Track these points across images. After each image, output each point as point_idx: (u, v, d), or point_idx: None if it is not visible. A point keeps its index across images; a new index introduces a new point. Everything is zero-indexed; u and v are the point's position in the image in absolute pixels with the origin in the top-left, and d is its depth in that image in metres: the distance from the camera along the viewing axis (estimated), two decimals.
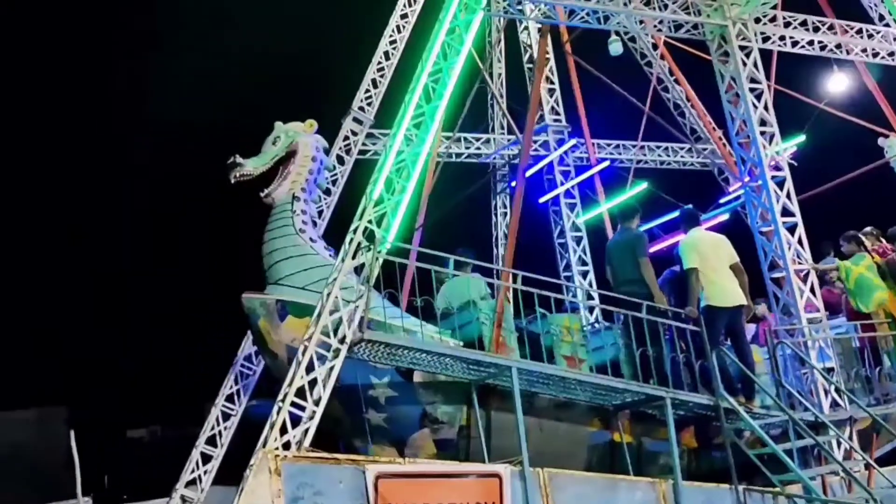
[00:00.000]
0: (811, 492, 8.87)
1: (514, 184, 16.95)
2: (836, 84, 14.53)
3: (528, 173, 15.81)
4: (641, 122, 16.12)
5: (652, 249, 14.41)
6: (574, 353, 9.22)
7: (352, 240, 8.45)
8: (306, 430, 7.64)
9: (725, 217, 16.35)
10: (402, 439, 8.92)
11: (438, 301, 9.37)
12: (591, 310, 14.27)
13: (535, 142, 17.21)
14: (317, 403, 7.75)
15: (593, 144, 17.47)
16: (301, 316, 9.04)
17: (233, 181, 9.81)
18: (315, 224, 10.09)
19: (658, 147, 18.23)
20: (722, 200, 17.05)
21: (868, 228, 12.56)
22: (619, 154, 17.91)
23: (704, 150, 17.62)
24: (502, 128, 17.62)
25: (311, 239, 9.73)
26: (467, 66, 9.65)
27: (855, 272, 11.25)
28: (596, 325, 11.67)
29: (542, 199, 17.17)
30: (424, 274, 8.80)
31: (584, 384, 8.92)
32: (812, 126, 15.20)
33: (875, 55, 14.36)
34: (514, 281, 8.83)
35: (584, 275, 16.44)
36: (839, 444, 9.78)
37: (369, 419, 8.98)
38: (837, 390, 10.21)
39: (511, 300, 9.07)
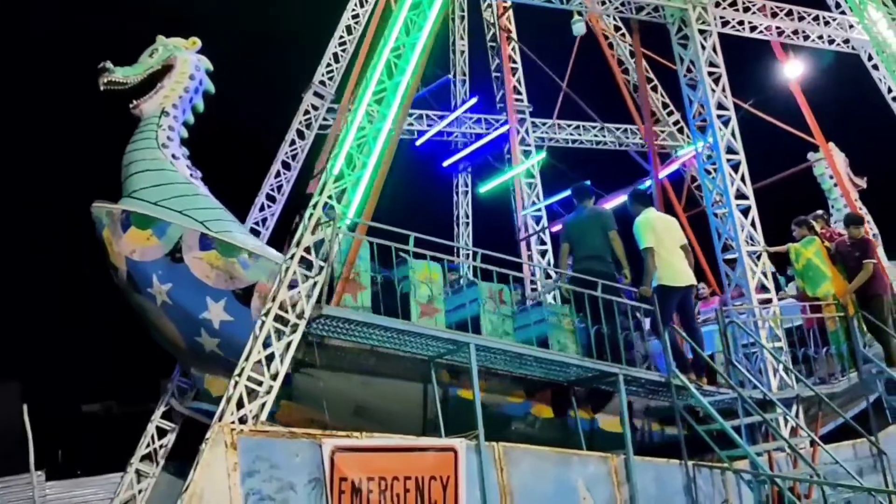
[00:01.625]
0: (758, 467, 9.12)
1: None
2: (791, 71, 14.77)
3: (422, 140, 16.88)
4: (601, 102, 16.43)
5: (555, 228, 14.77)
6: (430, 301, 8.88)
7: (311, 214, 8.41)
8: (263, 405, 7.65)
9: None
10: (235, 367, 8.36)
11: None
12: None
13: (498, 121, 17.36)
14: (274, 378, 7.75)
15: (541, 124, 17.76)
16: (144, 228, 8.82)
17: (101, 88, 9.41)
18: (182, 142, 9.68)
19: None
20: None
21: (819, 212, 12.86)
22: (561, 134, 18.13)
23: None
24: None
25: (173, 156, 9.38)
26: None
27: (804, 255, 11.53)
28: (528, 302, 11.48)
29: (445, 163, 17.78)
30: None
31: (540, 360, 9.02)
32: (748, 119, 15.22)
33: (831, 42, 14.72)
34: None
35: (543, 254, 16.57)
36: (786, 421, 10.07)
37: (202, 343, 8.71)
38: (785, 369, 10.49)
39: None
